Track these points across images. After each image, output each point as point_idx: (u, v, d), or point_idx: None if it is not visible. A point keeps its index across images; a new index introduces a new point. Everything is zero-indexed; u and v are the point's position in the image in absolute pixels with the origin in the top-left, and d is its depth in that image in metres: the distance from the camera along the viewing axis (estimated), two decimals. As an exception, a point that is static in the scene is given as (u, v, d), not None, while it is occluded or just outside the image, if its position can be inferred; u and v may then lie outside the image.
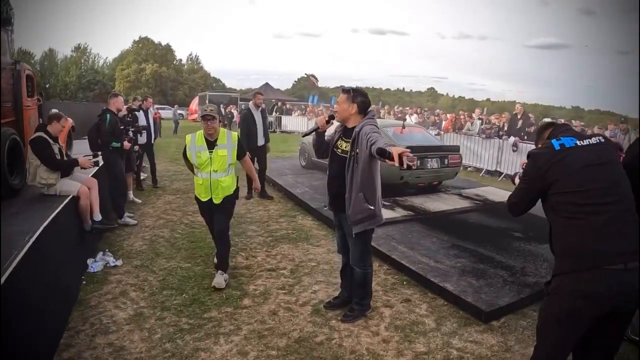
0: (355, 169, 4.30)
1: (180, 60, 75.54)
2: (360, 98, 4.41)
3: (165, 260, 6.18)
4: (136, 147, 9.13)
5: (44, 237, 4.38)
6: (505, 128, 15.52)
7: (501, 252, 6.68)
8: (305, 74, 34.08)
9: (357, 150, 4.25)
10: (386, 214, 6.16)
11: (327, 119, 4.53)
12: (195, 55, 79.22)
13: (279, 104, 33.80)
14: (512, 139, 14.65)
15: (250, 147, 8.42)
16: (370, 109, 4.50)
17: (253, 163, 7.78)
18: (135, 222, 7.71)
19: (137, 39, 70.58)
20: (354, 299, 4.86)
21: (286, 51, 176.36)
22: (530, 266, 6.16)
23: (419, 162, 9.23)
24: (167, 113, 37.67)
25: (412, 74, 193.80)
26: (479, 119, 17.05)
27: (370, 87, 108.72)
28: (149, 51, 68.35)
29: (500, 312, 4.95)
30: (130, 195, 9.21)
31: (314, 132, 4.67)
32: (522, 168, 3.39)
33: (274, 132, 29.59)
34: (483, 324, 4.76)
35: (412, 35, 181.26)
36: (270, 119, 30.25)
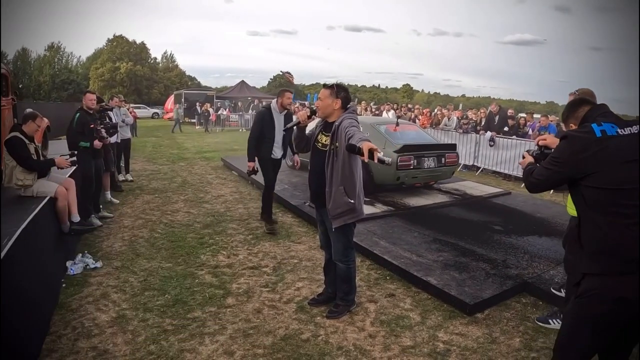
0: (334, 162, 4.29)
1: (155, 58, 75.05)
2: (343, 93, 4.42)
3: (145, 261, 6.08)
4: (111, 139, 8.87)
5: (22, 240, 4.29)
6: (483, 123, 15.62)
7: (482, 245, 6.72)
8: (281, 71, 33.92)
9: (337, 143, 4.24)
10: (366, 209, 6.13)
11: (308, 114, 4.50)
12: (170, 54, 78.82)
13: (256, 101, 33.60)
14: (488, 134, 14.74)
15: (261, 158, 7.51)
16: (350, 104, 4.50)
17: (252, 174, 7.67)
18: (101, 223, 7.53)
19: (111, 37, 69.85)
20: (338, 295, 4.84)
21: (262, 49, 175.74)
22: (511, 259, 6.19)
23: (415, 161, 9.01)
24: (142, 112, 37.29)
25: (388, 71, 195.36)
26: (458, 118, 17.13)
27: (346, 84, 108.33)
28: (124, 49, 67.58)
29: (484, 304, 4.98)
30: (108, 195, 9.08)
31: (296, 128, 4.65)
32: (537, 145, 3.35)
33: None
34: (468, 317, 4.78)
35: (388, 32, 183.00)
36: (247, 116, 30.22)
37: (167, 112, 43.51)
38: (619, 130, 2.64)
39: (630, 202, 2.53)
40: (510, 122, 14.83)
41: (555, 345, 2.92)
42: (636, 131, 2.66)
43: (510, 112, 15.64)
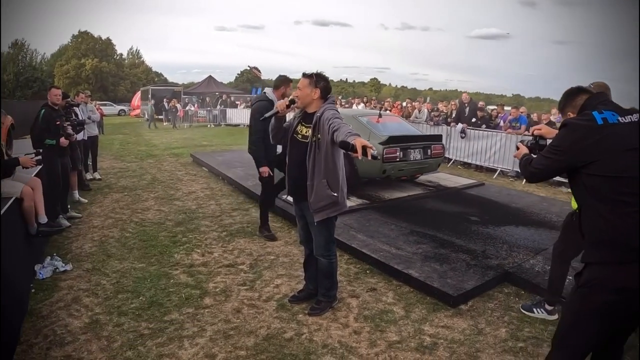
0: (317, 155, 4.18)
1: (121, 54, 73.97)
2: (323, 83, 4.29)
3: (117, 262, 5.85)
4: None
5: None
6: (454, 115, 15.68)
7: (460, 236, 6.68)
8: (249, 66, 33.68)
9: (319, 135, 4.14)
10: None
11: (287, 103, 4.35)
12: (136, 50, 77.52)
13: (224, 96, 33.30)
14: (460, 125, 14.78)
15: (269, 155, 6.66)
16: (330, 94, 4.38)
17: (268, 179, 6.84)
18: (69, 224, 7.26)
19: (76, 33, 68.64)
20: (320, 291, 4.71)
21: (229, 44, 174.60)
22: (490, 249, 6.17)
23: (401, 153, 8.67)
24: (108, 109, 36.70)
25: (355, 65, 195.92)
26: (429, 110, 17.17)
27: None
28: (89, 46, 66.46)
29: (467, 295, 4.94)
30: (76, 194, 8.79)
31: (272, 117, 4.49)
32: (533, 134, 3.36)
33: (219, 125, 29.19)
34: (452, 309, 4.73)
35: (356, 26, 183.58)
36: (215, 112, 29.93)
37: (134, 109, 43.17)
38: (619, 118, 2.61)
39: (630, 190, 2.49)
40: (479, 113, 14.95)
41: (555, 335, 2.88)
42: (636, 119, 2.63)
43: (480, 104, 15.75)
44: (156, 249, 6.31)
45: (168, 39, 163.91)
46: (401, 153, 8.66)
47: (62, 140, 7.31)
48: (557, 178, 11.83)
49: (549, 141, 3.15)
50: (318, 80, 4.27)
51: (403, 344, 4.08)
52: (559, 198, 10.34)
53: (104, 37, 68.91)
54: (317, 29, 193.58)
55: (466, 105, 15.37)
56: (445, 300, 4.84)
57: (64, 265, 5.60)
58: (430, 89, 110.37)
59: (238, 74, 73.70)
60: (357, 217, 7.48)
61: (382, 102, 19.95)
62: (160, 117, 31.42)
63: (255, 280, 5.38)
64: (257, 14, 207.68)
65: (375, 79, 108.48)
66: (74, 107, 9.03)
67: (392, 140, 8.58)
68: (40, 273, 5.36)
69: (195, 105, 32.52)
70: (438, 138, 10.00)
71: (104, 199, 9.16)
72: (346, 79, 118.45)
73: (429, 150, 9.26)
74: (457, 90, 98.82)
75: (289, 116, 4.68)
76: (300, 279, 5.19)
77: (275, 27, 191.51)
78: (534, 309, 4.66)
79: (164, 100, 29.80)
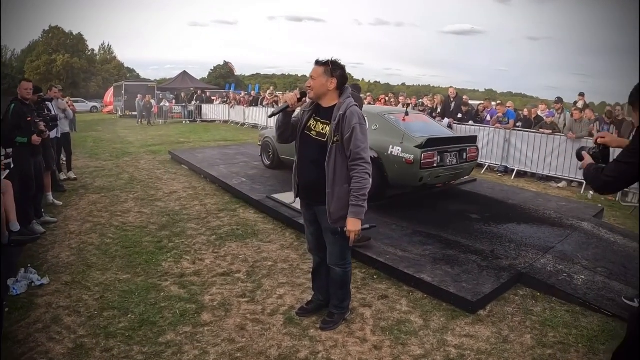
0: (337, 158, 3.71)
1: (93, 50, 72.60)
2: (340, 71, 3.82)
3: (99, 273, 5.27)
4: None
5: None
6: (439, 110, 15.34)
7: (465, 235, 6.38)
8: (225, 61, 33.54)
9: (340, 137, 3.69)
10: None
11: (298, 96, 3.88)
12: (108, 45, 76.01)
13: (199, 92, 32.65)
14: (446, 120, 14.47)
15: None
16: (350, 84, 3.99)
17: None
18: (44, 230, 6.65)
19: (47, 28, 67.17)
20: (332, 302, 4.26)
21: (202, 40, 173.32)
22: (499, 249, 5.88)
23: (438, 157, 7.54)
24: (80, 106, 35.80)
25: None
26: (413, 105, 16.78)
27: (287, 73, 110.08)
28: (60, 41, 65.00)
29: (485, 300, 4.66)
30: (50, 197, 8.16)
31: (280, 113, 3.99)
32: (597, 143, 3.11)
33: (195, 121, 28.64)
34: (471, 315, 4.45)
35: (329, 22, 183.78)
36: (190, 108, 29.39)
37: (107, 106, 42.35)
38: None
39: None
40: (464, 108, 14.77)
41: (621, 347, 2.80)
42: None
43: (465, 98, 15.64)
44: (141, 257, 5.75)
45: (140, 34, 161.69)
46: (438, 157, 7.58)
47: (35, 137, 6.65)
48: (547, 172, 11.63)
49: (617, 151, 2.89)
50: (334, 68, 3.78)
51: (429, 358, 3.76)
52: (551, 193, 10.16)
53: (75, 32, 67.82)
54: (291, 25, 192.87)
55: (452, 99, 15.09)
56: (464, 307, 4.54)
57: (39, 278, 5.00)
58: (403, 84, 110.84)
59: (211, 70, 72.64)
60: None
61: (365, 97, 19.59)
62: (133, 113, 30.75)
63: (255, 291, 4.88)
64: (230, 10, 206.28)
65: (348, 74, 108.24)
66: (47, 102, 8.39)
67: (430, 143, 7.47)
68: (13, 289, 4.76)
69: (171, 102, 31.85)
70: (473, 140, 8.86)
71: (80, 201, 8.53)
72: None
73: (464, 154, 8.22)
74: (430, 85, 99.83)
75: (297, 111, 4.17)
76: (305, 288, 4.80)
77: (249, 23, 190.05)
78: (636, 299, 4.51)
79: (138, 96, 29.02)
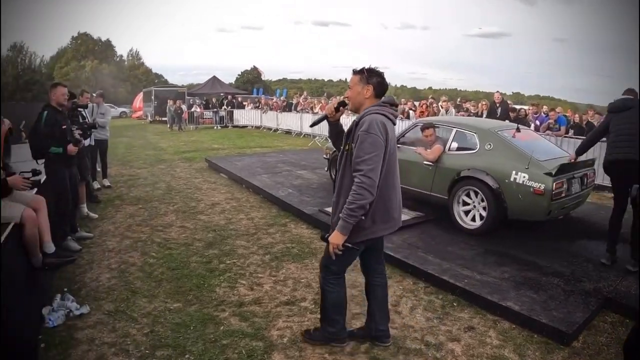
0: (346, 167, 3.58)
1: (121, 56, 74.58)
2: (376, 78, 3.63)
3: (146, 300, 4.69)
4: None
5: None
6: (484, 116, 14.55)
7: (540, 255, 5.86)
8: (254, 65, 33.55)
9: (353, 145, 3.52)
10: None
11: (336, 105, 3.79)
12: (136, 51, 77.69)
13: (229, 97, 32.36)
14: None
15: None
16: (385, 96, 3.74)
17: None
18: (79, 247, 6.15)
19: (75, 35, 69.57)
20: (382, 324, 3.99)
21: (229, 45, 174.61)
22: (578, 270, 5.42)
23: (566, 185, 6.49)
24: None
25: (355, 65, 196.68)
26: (466, 109, 16.10)
27: (313, 78, 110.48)
28: (89, 48, 67.37)
29: (579, 330, 4.26)
30: (84, 209, 7.65)
31: (327, 123, 3.94)
32: None
33: (226, 126, 28.42)
34: (566, 348, 4.04)
35: (355, 26, 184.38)
36: (222, 113, 29.17)
37: (136, 111, 42.69)
38: None
39: None
40: (512, 114, 13.81)
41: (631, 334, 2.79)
42: None
43: (510, 103, 14.91)
44: (191, 281, 5.18)
45: (167, 40, 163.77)
46: (566, 186, 6.54)
47: (71, 147, 6.13)
48: (600, 181, 10.84)
49: None
50: (370, 75, 3.62)
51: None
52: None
53: (103, 38, 69.43)
54: (316, 29, 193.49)
55: (498, 105, 14.28)
56: (558, 338, 4.11)
57: (78, 307, 4.45)
58: (430, 88, 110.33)
59: (239, 75, 72.80)
60: (419, 233, 6.58)
61: (404, 102, 18.95)
62: (163, 118, 30.80)
63: (325, 325, 4.25)
64: (256, 15, 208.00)
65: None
66: (81, 109, 7.89)
67: (562, 170, 6.38)
68: (49, 320, 4.20)
69: (201, 107, 31.62)
70: (592, 163, 7.48)
71: (116, 214, 8.03)
72: (345, 78, 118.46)
73: (585, 179, 7.16)
74: (456, 89, 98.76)
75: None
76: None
77: (275, 28, 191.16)
78: None
79: (168, 101, 28.83)
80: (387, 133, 3.41)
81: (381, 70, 3.66)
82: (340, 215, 3.38)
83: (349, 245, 3.43)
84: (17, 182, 4.48)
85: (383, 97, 3.69)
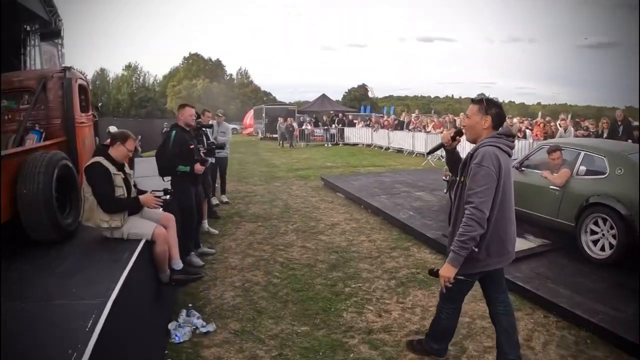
0: (461, 198, 3.53)
1: (231, 74, 77.98)
2: (495, 109, 3.60)
3: (272, 322, 4.66)
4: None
5: (118, 305, 3.04)
6: (605, 135, 13.59)
7: None
8: (363, 83, 33.71)
9: (464, 178, 3.55)
10: (519, 243, 4.67)
11: (452, 134, 3.89)
12: (245, 70, 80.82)
13: (340, 115, 32.66)
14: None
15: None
16: (502, 127, 3.67)
17: None
18: (202, 263, 6.28)
19: (187, 55, 73.59)
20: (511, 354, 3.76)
21: (333, 63, 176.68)
22: None
23: None
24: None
25: (460, 81, 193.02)
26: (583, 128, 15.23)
27: (419, 95, 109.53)
28: (200, 67, 70.89)
29: None
30: (205, 225, 7.85)
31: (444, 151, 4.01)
32: None
33: (337, 144, 28.68)
34: None
35: (460, 41, 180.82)
36: (332, 131, 29.43)
37: (246, 128, 44.22)
38: None
39: None
40: (636, 133, 12.97)
41: None
42: None
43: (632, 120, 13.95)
44: (317, 304, 5.10)
45: (275, 60, 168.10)
46: None
47: (197, 166, 6.28)
48: None
49: None
50: (489, 106, 3.59)
51: None
52: None
53: (213, 58, 72.13)
54: (421, 45, 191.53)
55: (619, 123, 13.39)
56: None
57: (204, 324, 4.51)
58: (539, 103, 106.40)
59: (346, 92, 73.38)
60: (546, 263, 6.18)
61: (522, 120, 18.30)
62: (274, 135, 31.45)
63: (459, 357, 4.07)
64: (360, 33, 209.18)
65: (482, 94, 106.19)
66: (205, 129, 8.14)
67: None
68: (176, 335, 4.28)
69: (311, 124, 32.11)
70: None
71: (236, 230, 8.17)
72: (452, 95, 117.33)
73: None
74: (566, 104, 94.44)
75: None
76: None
77: (380, 45, 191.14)
78: None
79: (279, 119, 29.51)
80: (500, 166, 3.35)
81: (497, 100, 3.65)
82: (452, 247, 3.36)
83: (461, 278, 3.38)
84: (149, 201, 4.63)
85: (500, 129, 3.62)
